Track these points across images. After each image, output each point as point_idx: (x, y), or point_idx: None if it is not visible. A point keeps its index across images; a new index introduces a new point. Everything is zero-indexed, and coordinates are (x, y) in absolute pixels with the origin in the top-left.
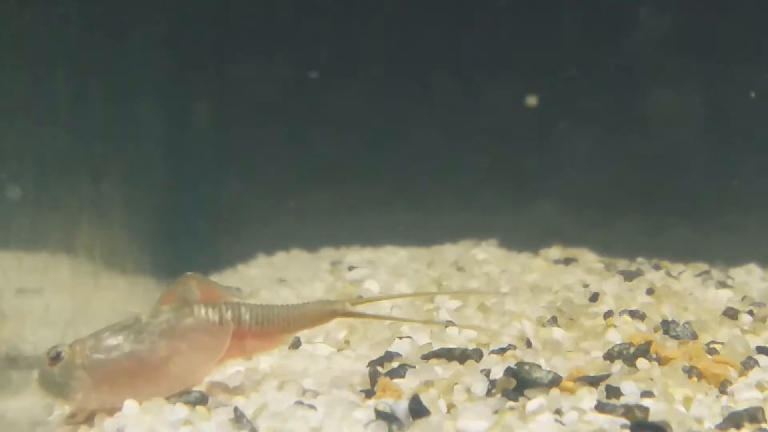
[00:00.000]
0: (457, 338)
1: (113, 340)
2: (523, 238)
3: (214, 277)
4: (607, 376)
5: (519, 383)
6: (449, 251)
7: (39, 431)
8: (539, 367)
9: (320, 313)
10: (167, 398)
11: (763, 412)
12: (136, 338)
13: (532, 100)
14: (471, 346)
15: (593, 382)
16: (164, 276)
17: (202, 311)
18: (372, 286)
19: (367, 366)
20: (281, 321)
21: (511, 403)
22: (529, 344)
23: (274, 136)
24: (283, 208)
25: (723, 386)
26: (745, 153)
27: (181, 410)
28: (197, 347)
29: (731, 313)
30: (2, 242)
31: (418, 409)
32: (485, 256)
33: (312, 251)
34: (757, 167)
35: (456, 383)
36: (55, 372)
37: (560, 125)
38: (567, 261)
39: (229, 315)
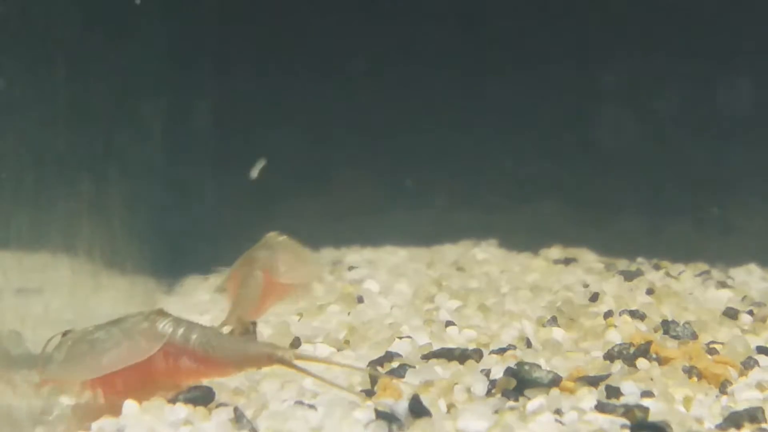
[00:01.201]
0: (457, 338)
1: (91, 328)
2: (523, 238)
3: (214, 278)
4: (607, 376)
5: (519, 383)
6: (449, 251)
7: (39, 430)
8: (539, 367)
9: (261, 356)
10: (169, 399)
11: (763, 412)
12: (102, 328)
13: None
14: (471, 346)
15: (593, 382)
16: (164, 276)
17: (159, 324)
18: (372, 286)
19: (367, 366)
20: (226, 352)
21: (511, 403)
22: (529, 344)
23: (274, 136)
24: (283, 208)
25: (723, 386)
26: (746, 153)
27: (181, 410)
28: (130, 346)
29: (731, 313)
30: (2, 242)
31: (418, 409)
32: (485, 256)
33: (312, 251)
34: (758, 167)
35: (456, 383)
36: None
37: (561, 124)
38: (567, 261)
39: (168, 329)
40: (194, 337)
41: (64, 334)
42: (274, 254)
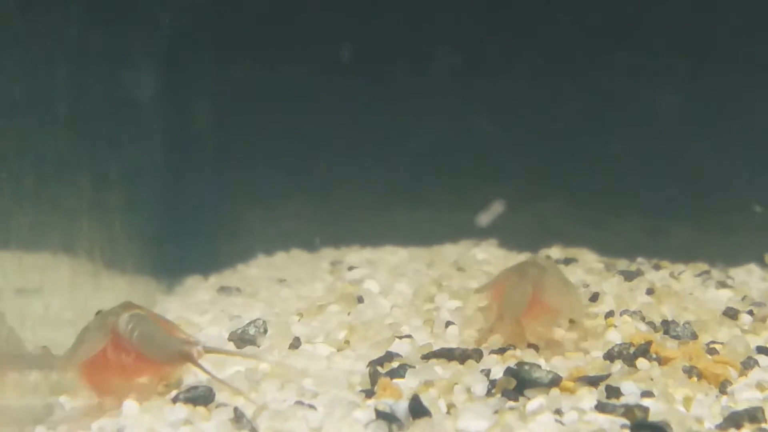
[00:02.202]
0: (457, 338)
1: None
2: (523, 238)
3: (214, 278)
4: (607, 376)
5: (519, 383)
6: (449, 251)
7: (39, 429)
8: (539, 367)
9: (175, 353)
10: (171, 399)
11: (763, 412)
12: (102, 315)
13: None
14: (471, 346)
15: (593, 382)
16: (164, 276)
17: (119, 318)
18: (372, 286)
19: (367, 366)
20: (153, 349)
21: (511, 403)
22: (529, 344)
23: (274, 136)
24: (283, 208)
25: (723, 386)
26: (745, 153)
27: (181, 410)
28: (87, 337)
29: (731, 313)
30: (2, 242)
31: (418, 409)
32: (485, 256)
33: (312, 251)
34: (758, 167)
35: (456, 383)
36: None
37: (561, 125)
38: (567, 261)
39: (122, 325)
40: (136, 334)
41: (97, 313)
42: (545, 273)
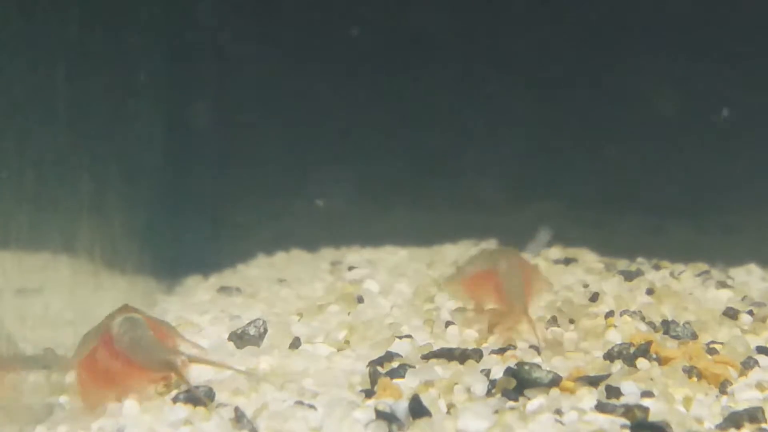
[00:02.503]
0: (457, 338)
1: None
2: (523, 238)
3: (214, 278)
4: (607, 376)
5: (519, 383)
6: (449, 251)
7: (39, 429)
8: (539, 367)
9: (162, 362)
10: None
11: (763, 412)
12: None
13: None
14: (471, 346)
15: (593, 382)
16: (164, 276)
17: (114, 321)
18: (372, 286)
19: (367, 366)
20: (141, 356)
21: (511, 403)
22: (529, 344)
23: (274, 136)
24: (283, 208)
25: (723, 386)
26: (745, 153)
27: (182, 410)
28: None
29: (731, 313)
30: (2, 242)
31: (418, 409)
32: None
33: (312, 251)
34: (757, 167)
35: (456, 383)
36: None
37: (560, 125)
38: (567, 261)
39: (114, 328)
40: (126, 338)
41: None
42: (514, 254)
